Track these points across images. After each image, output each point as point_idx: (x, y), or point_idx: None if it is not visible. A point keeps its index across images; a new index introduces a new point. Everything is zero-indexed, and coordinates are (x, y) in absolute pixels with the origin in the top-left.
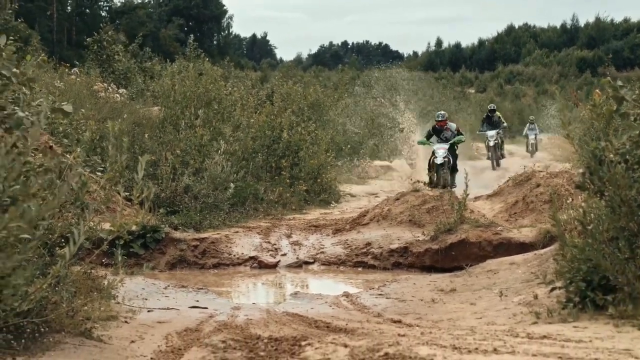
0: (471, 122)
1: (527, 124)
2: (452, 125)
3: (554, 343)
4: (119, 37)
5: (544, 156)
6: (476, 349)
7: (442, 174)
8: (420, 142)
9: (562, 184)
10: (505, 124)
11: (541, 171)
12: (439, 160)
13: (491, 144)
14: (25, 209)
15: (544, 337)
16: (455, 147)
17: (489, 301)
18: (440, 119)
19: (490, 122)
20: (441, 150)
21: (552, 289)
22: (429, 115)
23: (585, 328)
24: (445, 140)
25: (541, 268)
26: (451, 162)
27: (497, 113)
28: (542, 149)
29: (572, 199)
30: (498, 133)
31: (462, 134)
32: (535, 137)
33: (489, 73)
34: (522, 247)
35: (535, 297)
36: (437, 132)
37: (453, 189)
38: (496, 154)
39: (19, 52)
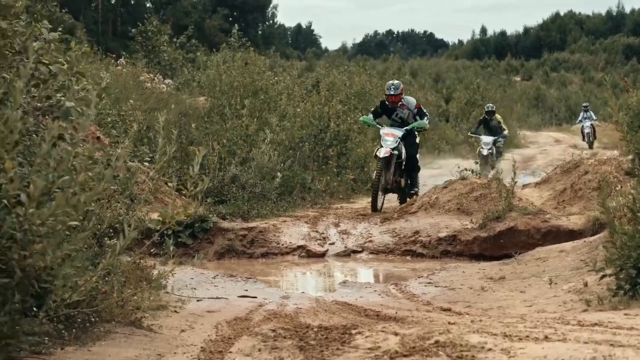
0: (518, 110)
1: (582, 112)
2: (410, 101)
3: (605, 330)
4: (165, 28)
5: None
6: (527, 336)
7: (386, 174)
8: (364, 121)
9: (611, 171)
10: (506, 132)
11: (589, 158)
12: (382, 153)
13: (484, 152)
14: (71, 196)
15: (595, 324)
16: (416, 134)
17: (538, 289)
18: (392, 92)
19: (487, 126)
20: (390, 138)
21: (602, 277)
22: (475, 104)
23: (636, 315)
24: (400, 123)
25: (591, 255)
26: (403, 156)
27: (497, 116)
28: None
29: (621, 186)
30: (496, 142)
31: (425, 114)
32: (592, 126)
33: (534, 61)
34: (571, 235)
35: (585, 284)
36: (388, 111)
37: (413, 196)
38: (487, 166)
39: (64, 43)
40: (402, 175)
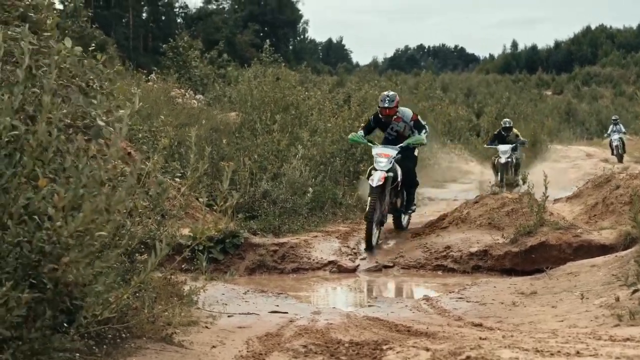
0: (549, 125)
1: (611, 125)
2: (406, 112)
3: (638, 345)
4: (196, 44)
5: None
6: (559, 351)
7: (381, 204)
8: (352, 140)
9: None
10: (523, 140)
11: (621, 173)
12: (375, 181)
13: (502, 160)
14: (98, 204)
15: (627, 339)
16: (414, 150)
17: (570, 304)
18: (386, 105)
19: (503, 142)
20: (383, 159)
21: (634, 291)
22: (506, 117)
23: None
24: (395, 137)
25: (622, 270)
26: (399, 177)
27: (515, 131)
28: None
29: None
30: (514, 150)
31: (424, 127)
32: (621, 139)
33: (565, 75)
34: (603, 249)
35: (617, 299)
36: (382, 124)
37: (406, 218)
38: (507, 175)
39: (95, 59)
40: (398, 195)
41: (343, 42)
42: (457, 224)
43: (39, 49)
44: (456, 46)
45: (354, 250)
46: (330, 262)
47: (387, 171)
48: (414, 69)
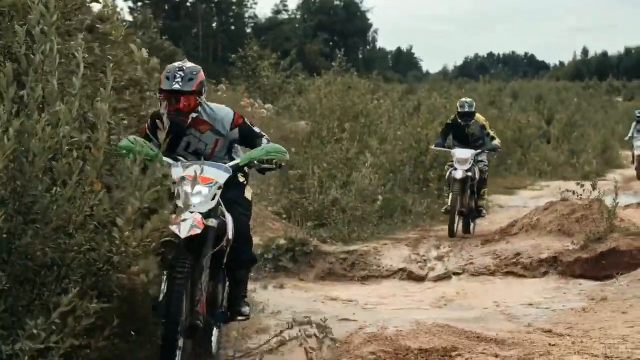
0: (620, 131)
1: (634, 123)
2: (221, 112)
3: None
4: (268, 53)
5: None
6: (629, 357)
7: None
8: (122, 148)
9: None
10: (496, 142)
11: None
12: (183, 230)
13: (458, 173)
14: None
15: None
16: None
17: None
18: (176, 86)
19: (460, 134)
20: (201, 190)
21: None
22: (575, 124)
23: None
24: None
25: None
26: (229, 234)
27: (479, 117)
28: None
29: None
30: (477, 156)
31: (262, 136)
32: None
33: (637, 81)
34: None
35: None
36: (174, 130)
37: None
38: (461, 202)
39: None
40: (219, 275)
41: (412, 51)
42: (526, 230)
43: (104, 57)
44: (526, 53)
45: (423, 258)
46: (399, 270)
47: (207, 215)
48: (484, 77)
